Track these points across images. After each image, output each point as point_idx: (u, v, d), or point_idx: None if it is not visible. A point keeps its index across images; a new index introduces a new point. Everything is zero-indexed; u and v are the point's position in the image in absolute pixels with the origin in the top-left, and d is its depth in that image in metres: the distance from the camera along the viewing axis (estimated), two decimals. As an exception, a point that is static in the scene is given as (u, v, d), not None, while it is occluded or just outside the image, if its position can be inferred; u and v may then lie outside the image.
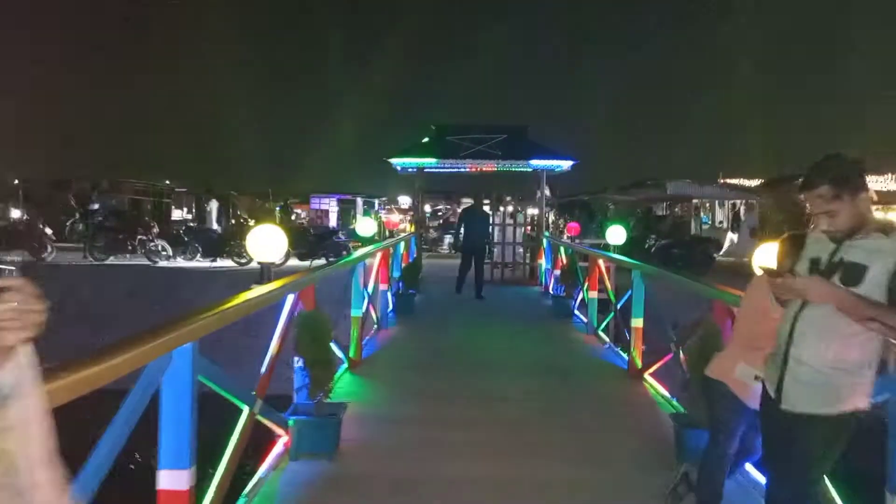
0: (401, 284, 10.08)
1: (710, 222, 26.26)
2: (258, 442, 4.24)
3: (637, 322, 6.29)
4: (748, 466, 3.73)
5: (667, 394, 5.57)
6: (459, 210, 19.42)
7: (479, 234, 11.34)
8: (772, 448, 2.60)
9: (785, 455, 2.47)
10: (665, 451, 4.21)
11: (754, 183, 33.63)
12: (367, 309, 7.39)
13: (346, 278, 6.26)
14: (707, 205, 26.60)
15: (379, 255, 8.13)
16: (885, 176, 27.74)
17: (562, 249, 11.24)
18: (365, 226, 11.01)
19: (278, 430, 3.98)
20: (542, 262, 13.96)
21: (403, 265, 10.80)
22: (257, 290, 3.66)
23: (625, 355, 6.88)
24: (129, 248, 17.71)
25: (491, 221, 12.87)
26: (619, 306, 7.46)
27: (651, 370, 6.02)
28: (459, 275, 11.40)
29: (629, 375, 6.22)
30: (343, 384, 5.74)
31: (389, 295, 9.53)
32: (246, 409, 3.32)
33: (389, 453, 4.18)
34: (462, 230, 11.53)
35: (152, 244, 17.51)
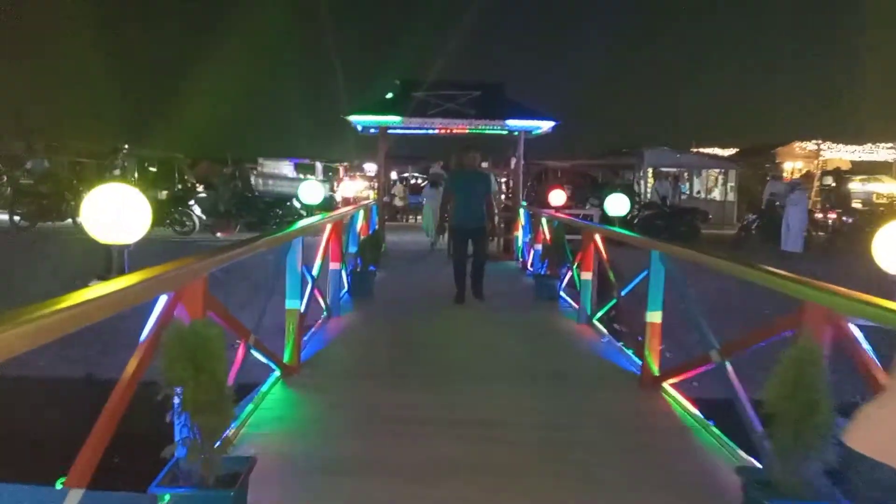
0: (358, 261, 8.58)
1: (688, 192, 25.22)
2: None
3: (654, 316, 4.93)
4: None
5: (698, 413, 4.25)
6: (432, 171, 16.99)
7: (477, 206, 7.64)
8: None
9: None
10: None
11: (728, 152, 32.81)
12: (312, 295, 5.91)
13: (278, 259, 4.74)
14: (686, 174, 25.54)
15: (329, 227, 6.61)
16: (865, 146, 27.03)
17: (543, 221, 9.84)
18: (310, 191, 9.20)
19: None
20: (519, 235, 12.60)
21: (362, 237, 9.29)
22: (98, 290, 2.16)
23: (632, 355, 5.55)
24: (55, 214, 15.85)
25: (493, 185, 8.71)
26: (623, 293, 6.08)
27: (673, 380, 4.69)
28: (456, 272, 7.78)
29: (642, 384, 4.89)
30: (271, 402, 4.28)
31: (344, 274, 8.05)
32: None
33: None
34: (451, 202, 7.74)
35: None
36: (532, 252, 10.72)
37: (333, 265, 7.11)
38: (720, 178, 25.68)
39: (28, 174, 18.86)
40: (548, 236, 9.48)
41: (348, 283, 8.25)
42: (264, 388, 4.49)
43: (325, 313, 6.83)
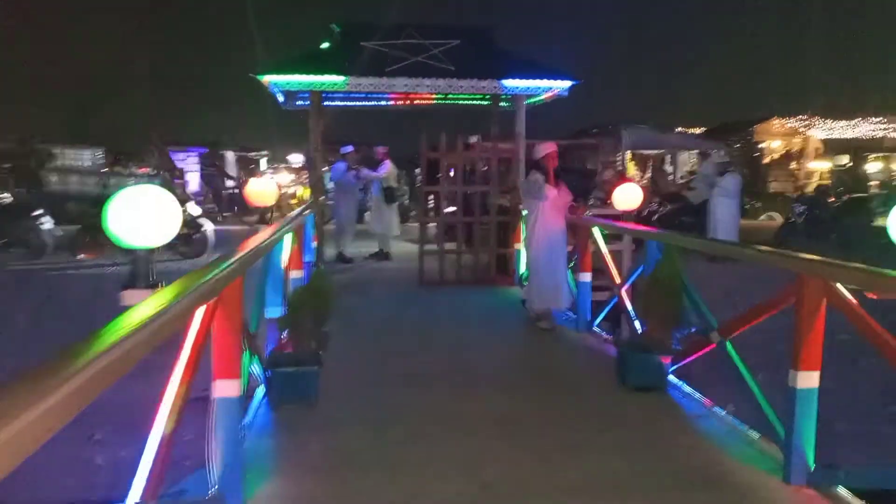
0: (283, 336, 4.45)
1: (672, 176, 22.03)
2: None
3: None
4: None
5: None
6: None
7: None
8: None
9: None
10: None
11: (696, 132, 30.05)
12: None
13: None
14: (669, 157, 22.37)
15: (200, 312, 2.48)
16: (854, 120, 24.59)
17: (597, 235, 5.95)
18: (136, 214, 3.50)
19: None
20: (522, 249, 8.71)
21: (291, 286, 5.14)
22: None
23: None
24: None
25: None
26: None
27: None
28: None
29: None
30: None
31: (256, 368, 3.92)
32: None
33: None
34: None
35: None
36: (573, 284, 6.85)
37: (224, 386, 2.95)
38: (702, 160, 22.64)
39: None
40: (607, 260, 5.62)
41: (265, 382, 4.11)
42: None
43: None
